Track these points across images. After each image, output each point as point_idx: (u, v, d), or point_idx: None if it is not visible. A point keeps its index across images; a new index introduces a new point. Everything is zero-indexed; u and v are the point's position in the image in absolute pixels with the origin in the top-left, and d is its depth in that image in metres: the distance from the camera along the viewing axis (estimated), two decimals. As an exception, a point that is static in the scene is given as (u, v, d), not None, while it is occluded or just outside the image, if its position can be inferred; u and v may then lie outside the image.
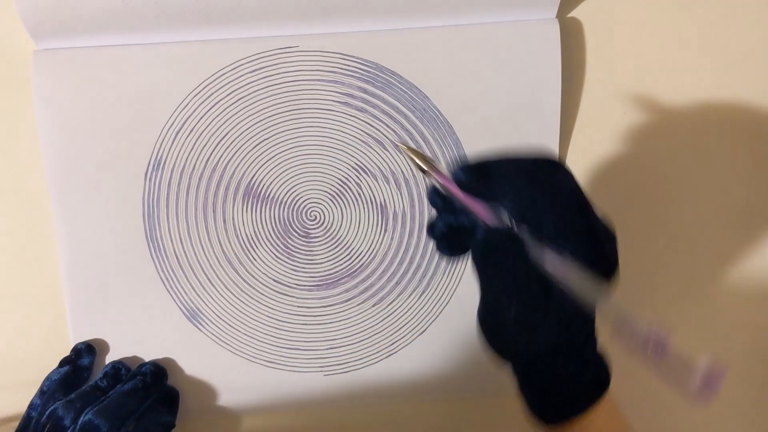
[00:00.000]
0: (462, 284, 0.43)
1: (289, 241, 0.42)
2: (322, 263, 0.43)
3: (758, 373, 0.46)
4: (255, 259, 0.42)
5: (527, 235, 0.28)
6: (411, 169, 0.42)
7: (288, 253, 0.43)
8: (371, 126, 0.42)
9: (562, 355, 0.30)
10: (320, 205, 0.42)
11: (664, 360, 0.22)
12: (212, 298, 0.42)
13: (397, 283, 0.43)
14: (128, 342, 0.42)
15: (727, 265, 0.45)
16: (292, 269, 0.43)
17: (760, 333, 0.45)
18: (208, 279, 0.42)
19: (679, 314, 0.45)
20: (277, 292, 0.43)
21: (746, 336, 0.45)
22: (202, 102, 0.41)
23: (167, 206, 0.42)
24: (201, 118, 0.41)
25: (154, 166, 0.41)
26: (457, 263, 0.43)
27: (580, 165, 0.44)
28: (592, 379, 0.31)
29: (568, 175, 0.30)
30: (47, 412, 0.37)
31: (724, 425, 0.46)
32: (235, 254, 0.42)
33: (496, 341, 0.31)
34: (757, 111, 0.44)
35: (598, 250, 0.29)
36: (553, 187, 0.29)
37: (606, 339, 0.29)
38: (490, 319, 0.31)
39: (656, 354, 0.22)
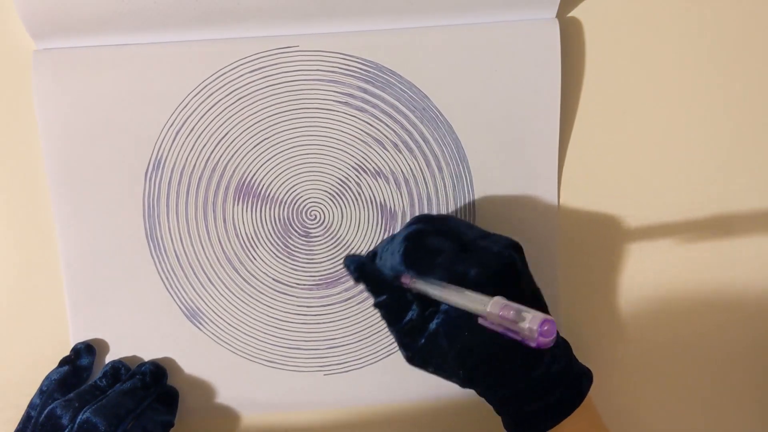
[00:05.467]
0: (462, 284, 0.43)
1: (289, 240, 0.42)
2: (322, 263, 0.43)
3: (759, 373, 0.46)
4: (255, 259, 0.42)
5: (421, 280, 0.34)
6: (411, 168, 0.42)
7: (288, 252, 0.43)
8: (371, 126, 0.42)
9: (524, 391, 0.34)
10: (320, 205, 0.42)
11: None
12: (212, 298, 0.42)
13: (397, 283, 0.43)
14: (128, 342, 0.42)
15: (727, 263, 0.45)
16: (292, 269, 0.43)
17: (760, 332, 0.45)
18: (208, 278, 0.42)
19: (678, 311, 0.45)
20: (277, 291, 0.43)
21: (747, 335, 0.45)
22: (202, 102, 0.41)
23: (167, 206, 0.42)
24: (201, 118, 0.41)
25: (154, 165, 0.41)
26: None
27: (580, 165, 0.44)
28: (559, 399, 0.34)
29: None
30: (46, 411, 0.37)
31: (726, 425, 0.46)
32: (235, 254, 0.42)
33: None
34: (758, 110, 0.44)
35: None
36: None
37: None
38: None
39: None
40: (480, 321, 0.30)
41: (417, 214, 0.42)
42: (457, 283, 0.32)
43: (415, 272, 0.34)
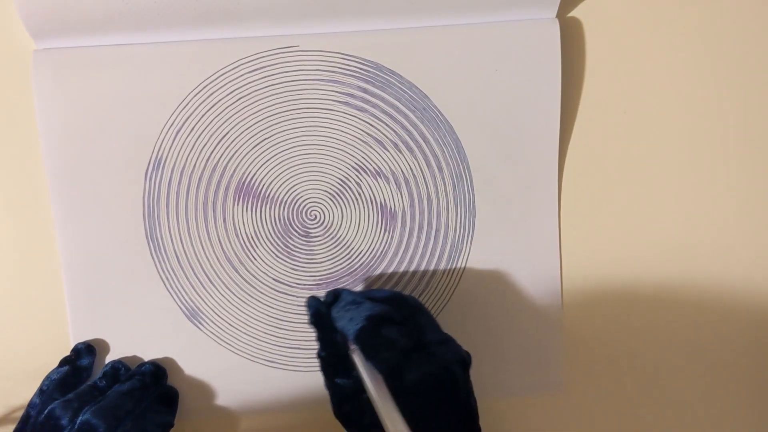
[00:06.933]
0: (462, 284, 0.43)
1: (289, 240, 0.42)
2: (322, 263, 0.43)
3: (757, 374, 0.46)
4: (255, 259, 0.42)
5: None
6: (411, 168, 0.42)
7: (288, 252, 0.43)
8: (371, 126, 0.42)
9: None
10: (320, 205, 0.42)
11: None
12: (212, 298, 0.42)
13: (397, 283, 0.43)
14: (128, 342, 0.42)
15: (727, 265, 0.45)
16: (292, 269, 0.43)
17: (759, 333, 0.45)
18: (208, 278, 0.42)
19: (676, 316, 0.45)
20: (277, 291, 0.43)
21: (745, 336, 0.45)
22: (202, 101, 0.41)
23: (167, 206, 0.42)
24: (201, 118, 0.41)
25: (154, 165, 0.41)
26: (457, 263, 0.43)
27: (580, 165, 0.44)
28: None
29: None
30: (45, 411, 0.37)
31: (722, 426, 0.46)
32: (235, 254, 0.42)
33: None
34: (758, 111, 0.44)
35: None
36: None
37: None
38: None
39: None
40: None
41: (417, 214, 0.43)
42: (392, 383, 0.33)
43: (360, 350, 0.34)
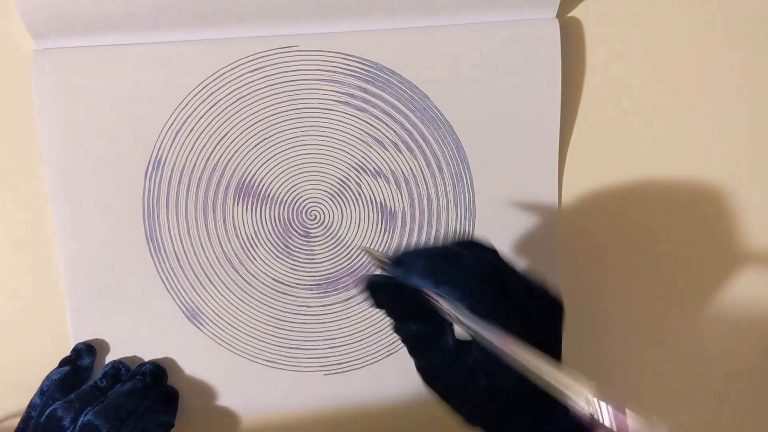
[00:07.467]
0: (462, 284, 0.43)
1: (289, 240, 0.42)
2: (322, 263, 0.43)
3: (758, 374, 0.46)
4: (255, 259, 0.42)
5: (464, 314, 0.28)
6: (411, 168, 0.42)
7: (288, 252, 0.43)
8: (371, 126, 0.42)
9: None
10: (320, 205, 0.42)
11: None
12: (212, 298, 0.42)
13: (397, 283, 0.43)
14: (128, 342, 0.42)
15: (727, 265, 0.45)
16: (292, 269, 0.43)
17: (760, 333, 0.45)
18: (208, 279, 0.42)
19: (677, 319, 0.45)
20: (277, 291, 0.43)
21: (751, 340, 0.45)
22: (202, 101, 0.41)
23: (167, 206, 0.42)
24: (201, 118, 0.41)
25: (154, 165, 0.41)
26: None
27: (580, 165, 0.44)
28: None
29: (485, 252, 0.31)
30: (46, 412, 0.37)
31: (723, 426, 0.46)
32: (235, 254, 0.42)
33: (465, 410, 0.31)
34: (758, 110, 0.44)
35: (526, 322, 0.29)
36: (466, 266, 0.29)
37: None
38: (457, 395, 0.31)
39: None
40: (571, 403, 0.25)
41: (417, 214, 0.43)
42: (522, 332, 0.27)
43: (477, 316, 0.28)
